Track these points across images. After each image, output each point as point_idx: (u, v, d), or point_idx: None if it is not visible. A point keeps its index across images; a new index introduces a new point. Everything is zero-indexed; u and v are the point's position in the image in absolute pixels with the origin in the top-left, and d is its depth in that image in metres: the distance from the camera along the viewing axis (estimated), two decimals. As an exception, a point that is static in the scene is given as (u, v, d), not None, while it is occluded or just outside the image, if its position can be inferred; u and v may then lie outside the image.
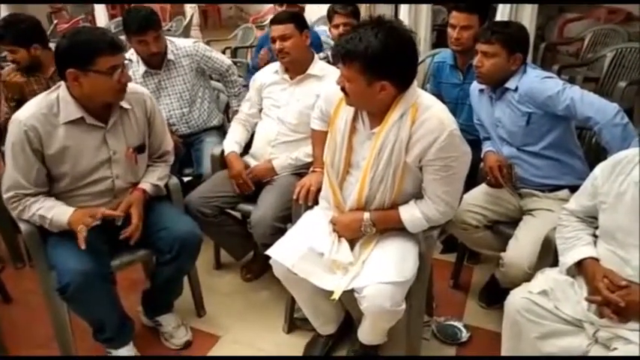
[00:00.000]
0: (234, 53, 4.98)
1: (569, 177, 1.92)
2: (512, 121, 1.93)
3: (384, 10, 5.24)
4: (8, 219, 1.79)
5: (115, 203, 1.79)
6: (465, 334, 2.02)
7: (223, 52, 5.22)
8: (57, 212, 1.67)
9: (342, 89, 1.55)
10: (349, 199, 1.67)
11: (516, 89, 1.89)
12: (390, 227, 1.66)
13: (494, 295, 2.20)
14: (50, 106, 1.66)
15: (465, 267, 2.41)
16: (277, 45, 2.10)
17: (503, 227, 2.02)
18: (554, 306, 1.43)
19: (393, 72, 1.46)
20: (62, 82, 1.69)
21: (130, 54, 2.52)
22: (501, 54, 1.87)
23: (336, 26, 2.71)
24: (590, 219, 1.52)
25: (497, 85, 1.95)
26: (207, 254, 2.51)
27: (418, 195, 1.64)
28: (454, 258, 2.40)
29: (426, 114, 1.52)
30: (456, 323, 2.08)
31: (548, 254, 1.64)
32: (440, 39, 5.86)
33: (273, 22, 2.13)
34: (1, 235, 2.49)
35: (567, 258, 1.48)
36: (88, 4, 7.19)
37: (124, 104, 1.78)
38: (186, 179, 2.61)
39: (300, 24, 2.15)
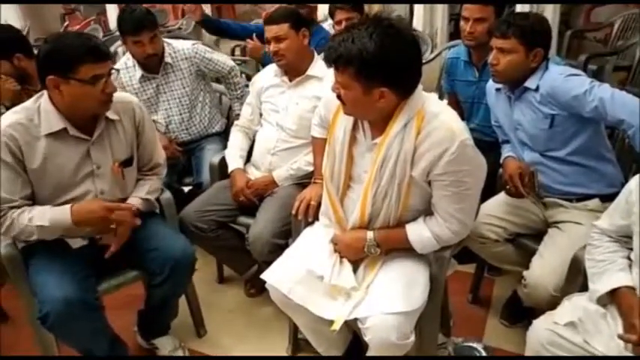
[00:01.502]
0: (243, 51, 4.82)
1: (600, 184, 1.72)
2: (534, 124, 1.74)
3: (399, 9, 5.04)
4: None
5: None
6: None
7: (233, 50, 5.09)
8: (53, 215, 1.54)
9: (338, 97, 1.39)
10: (351, 216, 1.51)
11: (537, 89, 1.70)
12: (396, 247, 1.50)
13: (518, 312, 2.02)
14: (30, 116, 1.55)
15: (485, 279, 2.23)
16: (272, 47, 1.95)
17: (526, 240, 1.84)
18: (583, 340, 1.25)
19: (392, 77, 1.29)
20: (45, 91, 1.58)
21: (126, 59, 2.41)
22: (519, 50, 1.67)
23: (339, 22, 2.51)
24: (625, 239, 1.33)
25: (515, 84, 1.76)
26: (210, 267, 2.40)
27: (427, 210, 1.48)
28: (473, 268, 2.22)
29: (433, 123, 1.34)
30: (475, 345, 1.90)
31: (576, 277, 1.46)
32: (458, 29, 5.62)
33: (266, 21, 1.97)
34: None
35: (598, 285, 1.29)
36: (100, 4, 7.14)
37: (111, 115, 1.66)
38: (186, 189, 2.49)
39: (297, 22, 1.98)
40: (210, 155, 2.36)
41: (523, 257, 1.84)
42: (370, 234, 1.48)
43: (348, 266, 1.51)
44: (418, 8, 4.35)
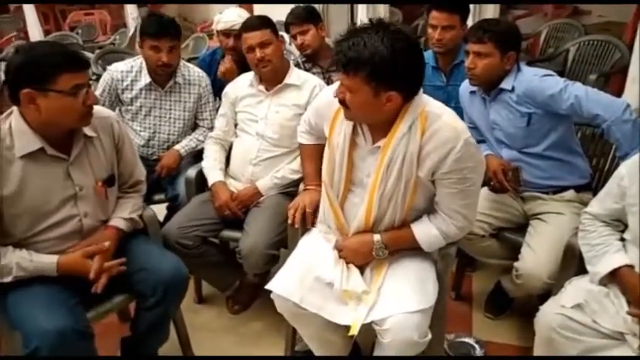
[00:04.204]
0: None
1: (573, 176, 1.85)
2: (511, 123, 1.84)
3: (341, 10, 5.17)
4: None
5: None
6: (479, 351, 1.91)
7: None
8: (36, 267, 1.45)
9: (342, 101, 1.39)
10: (354, 221, 1.51)
11: (513, 89, 1.80)
12: (403, 248, 1.52)
13: (501, 304, 2.11)
14: (2, 138, 1.42)
15: (463, 275, 2.31)
16: (257, 54, 1.92)
17: (509, 234, 1.92)
18: (591, 320, 1.33)
19: (401, 81, 1.32)
20: (14, 108, 1.45)
21: (133, 62, 2.29)
22: (495, 53, 1.77)
23: (294, 37, 2.50)
24: (616, 222, 1.44)
25: (491, 86, 1.85)
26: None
27: (429, 209, 1.51)
28: (453, 267, 2.29)
29: (437, 123, 1.38)
30: (467, 340, 1.96)
31: (572, 262, 1.54)
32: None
33: (246, 29, 1.94)
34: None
35: (599, 267, 1.38)
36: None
37: (89, 131, 1.55)
38: (156, 207, 2.36)
39: (275, 29, 1.98)
40: (183, 167, 2.27)
41: (507, 250, 1.93)
42: (377, 237, 1.48)
43: (355, 271, 1.51)
44: (361, 18, 4.48)
